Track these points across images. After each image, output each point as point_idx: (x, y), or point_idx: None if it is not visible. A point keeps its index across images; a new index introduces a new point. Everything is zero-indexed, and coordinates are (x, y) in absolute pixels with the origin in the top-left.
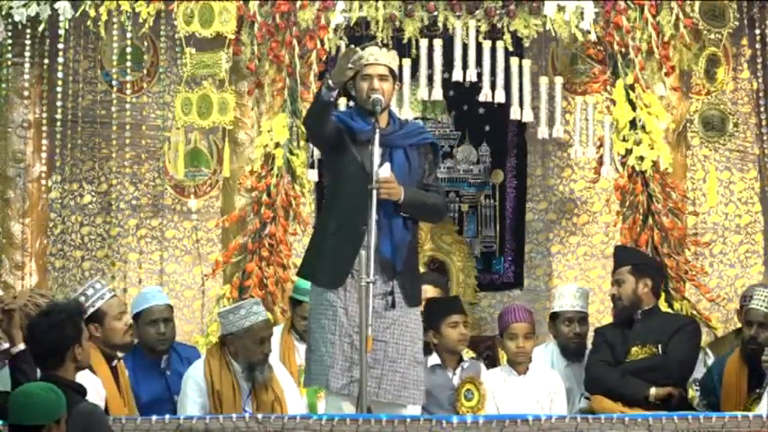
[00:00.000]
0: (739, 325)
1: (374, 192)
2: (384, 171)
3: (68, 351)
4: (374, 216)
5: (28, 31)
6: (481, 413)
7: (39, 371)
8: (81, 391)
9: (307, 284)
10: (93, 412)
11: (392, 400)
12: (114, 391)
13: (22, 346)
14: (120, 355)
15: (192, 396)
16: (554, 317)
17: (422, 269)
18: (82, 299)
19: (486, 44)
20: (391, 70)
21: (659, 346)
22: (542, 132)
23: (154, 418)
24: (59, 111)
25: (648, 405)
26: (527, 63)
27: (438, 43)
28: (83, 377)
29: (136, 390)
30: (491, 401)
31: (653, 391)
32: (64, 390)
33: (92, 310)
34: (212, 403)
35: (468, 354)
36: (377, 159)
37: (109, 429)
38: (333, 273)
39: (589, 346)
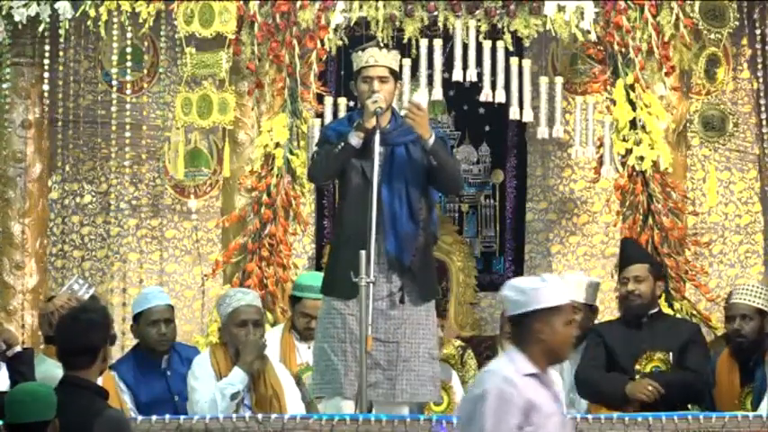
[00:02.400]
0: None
1: (374, 191)
2: (421, 99)
3: (99, 352)
4: (374, 216)
5: (28, 31)
6: None
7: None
8: (102, 393)
9: (305, 280)
10: (121, 419)
11: (410, 400)
12: (112, 387)
13: (19, 348)
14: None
15: (208, 379)
16: None
17: None
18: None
19: (487, 44)
20: (392, 71)
21: (670, 354)
22: (542, 132)
23: (154, 418)
24: (59, 111)
25: (627, 403)
26: (527, 63)
27: (438, 43)
28: None
29: (136, 390)
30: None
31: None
32: (86, 392)
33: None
34: None
35: (457, 343)
36: (377, 161)
37: None
38: (347, 284)
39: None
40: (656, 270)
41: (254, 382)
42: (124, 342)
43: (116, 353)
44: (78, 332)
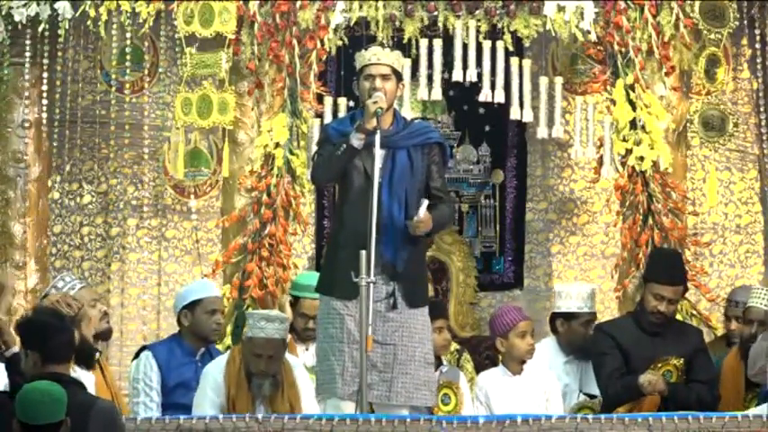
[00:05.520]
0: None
1: (374, 192)
2: (422, 210)
3: (74, 349)
4: (374, 217)
5: (28, 31)
6: None
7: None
8: (83, 386)
9: (303, 280)
10: (114, 410)
11: (405, 403)
12: (102, 384)
13: (16, 348)
14: (100, 348)
15: (211, 395)
16: (568, 317)
17: None
18: (53, 291)
19: (486, 44)
20: (395, 70)
21: (681, 360)
22: (542, 132)
23: (154, 418)
24: (59, 111)
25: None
26: (527, 63)
27: (438, 43)
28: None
29: (165, 371)
30: (483, 403)
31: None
32: (70, 385)
33: None
34: (227, 405)
35: (452, 346)
36: (378, 162)
37: (124, 427)
38: (346, 284)
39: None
40: (686, 289)
41: (271, 400)
42: (123, 341)
43: (115, 351)
44: (67, 329)
